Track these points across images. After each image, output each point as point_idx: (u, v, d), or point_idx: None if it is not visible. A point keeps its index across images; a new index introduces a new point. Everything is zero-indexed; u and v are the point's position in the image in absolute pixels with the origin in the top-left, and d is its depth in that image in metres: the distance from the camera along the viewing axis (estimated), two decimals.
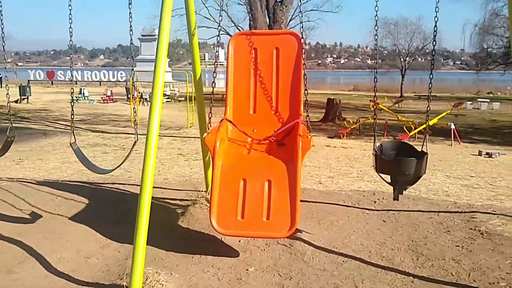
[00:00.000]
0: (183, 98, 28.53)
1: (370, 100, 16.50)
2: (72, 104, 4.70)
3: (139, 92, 26.88)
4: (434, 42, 4.28)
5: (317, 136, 15.72)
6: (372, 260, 4.23)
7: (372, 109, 15.92)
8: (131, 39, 4.51)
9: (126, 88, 27.47)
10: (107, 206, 5.67)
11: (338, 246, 4.54)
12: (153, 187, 6.75)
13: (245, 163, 4.40)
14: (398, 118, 15.72)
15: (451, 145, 13.82)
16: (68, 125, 17.97)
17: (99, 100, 28.07)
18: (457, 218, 5.28)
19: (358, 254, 4.37)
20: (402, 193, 4.33)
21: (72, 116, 4.77)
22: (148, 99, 28.39)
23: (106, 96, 28.12)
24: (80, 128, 17.45)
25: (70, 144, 4.82)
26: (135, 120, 5.07)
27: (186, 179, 7.44)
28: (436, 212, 5.54)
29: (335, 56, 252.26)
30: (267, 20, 13.84)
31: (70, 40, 4.85)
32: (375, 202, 6.04)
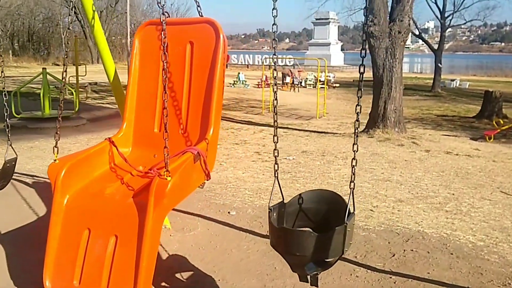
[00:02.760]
0: (337, 84, 26.94)
1: None
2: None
3: (292, 78, 26.23)
4: None
5: (456, 136, 12.47)
6: None
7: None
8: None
9: (282, 73, 26.88)
10: None
11: None
12: None
13: (98, 207, 3.14)
14: None
15: None
16: None
17: (255, 85, 28.14)
18: None
19: None
20: (310, 281, 2.55)
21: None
22: (302, 84, 27.48)
23: (262, 80, 28.01)
24: None
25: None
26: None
27: None
28: None
29: None
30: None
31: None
32: (393, 255, 4.14)
